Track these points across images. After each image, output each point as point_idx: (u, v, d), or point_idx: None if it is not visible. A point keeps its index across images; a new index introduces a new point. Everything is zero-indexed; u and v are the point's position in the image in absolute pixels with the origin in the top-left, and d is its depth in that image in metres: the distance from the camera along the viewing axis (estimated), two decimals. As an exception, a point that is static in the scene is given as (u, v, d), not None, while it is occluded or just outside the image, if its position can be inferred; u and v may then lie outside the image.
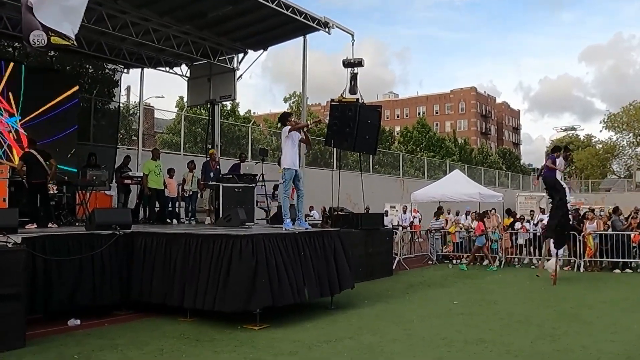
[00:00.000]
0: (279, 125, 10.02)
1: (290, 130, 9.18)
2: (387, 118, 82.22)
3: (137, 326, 7.80)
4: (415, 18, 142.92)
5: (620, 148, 65.20)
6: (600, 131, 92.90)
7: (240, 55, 15.83)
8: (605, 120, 64.54)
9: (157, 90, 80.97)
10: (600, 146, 66.51)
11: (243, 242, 7.77)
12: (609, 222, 15.64)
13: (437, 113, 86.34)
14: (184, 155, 19.69)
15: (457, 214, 19.24)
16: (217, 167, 13.78)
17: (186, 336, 7.16)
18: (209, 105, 17.25)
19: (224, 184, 12.24)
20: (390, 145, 50.51)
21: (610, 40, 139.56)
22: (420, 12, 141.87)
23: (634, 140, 63.44)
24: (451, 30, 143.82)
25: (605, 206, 23.91)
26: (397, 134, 60.51)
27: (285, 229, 8.98)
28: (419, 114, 77.49)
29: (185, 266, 8.11)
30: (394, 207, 22.68)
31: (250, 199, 12.62)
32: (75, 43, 8.10)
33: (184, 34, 14.11)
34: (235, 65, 15.94)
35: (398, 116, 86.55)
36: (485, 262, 16.64)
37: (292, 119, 9.56)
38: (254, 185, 12.94)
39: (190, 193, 13.90)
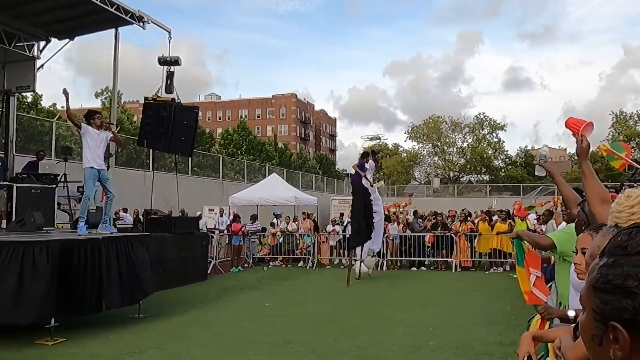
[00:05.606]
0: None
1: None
2: (209, 119, 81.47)
3: None
4: (238, 22, 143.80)
5: (421, 157, 72.48)
6: (405, 141, 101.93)
7: (42, 43, 14.32)
8: (409, 131, 71.33)
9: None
10: (405, 155, 73.10)
11: (36, 249, 7.03)
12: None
13: (259, 117, 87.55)
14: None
15: (278, 217, 19.57)
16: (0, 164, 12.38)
17: (-39, 359, 6.26)
18: (3, 96, 15.35)
19: (19, 184, 11.00)
20: (211, 147, 50.03)
21: (412, 58, 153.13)
22: (244, 17, 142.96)
23: (432, 150, 70.95)
24: (273, 36, 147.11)
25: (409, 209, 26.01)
26: (218, 136, 60.14)
27: (79, 234, 8.28)
28: (241, 116, 77.84)
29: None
30: (213, 210, 22.38)
31: (51, 201, 11.53)
32: None
33: (-28, 13, 12.41)
34: (35, 54, 14.35)
35: (220, 118, 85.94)
36: (301, 263, 17.20)
37: (96, 118, 8.87)
38: (54, 186, 11.83)
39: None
